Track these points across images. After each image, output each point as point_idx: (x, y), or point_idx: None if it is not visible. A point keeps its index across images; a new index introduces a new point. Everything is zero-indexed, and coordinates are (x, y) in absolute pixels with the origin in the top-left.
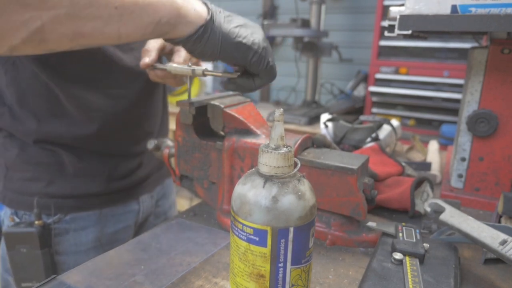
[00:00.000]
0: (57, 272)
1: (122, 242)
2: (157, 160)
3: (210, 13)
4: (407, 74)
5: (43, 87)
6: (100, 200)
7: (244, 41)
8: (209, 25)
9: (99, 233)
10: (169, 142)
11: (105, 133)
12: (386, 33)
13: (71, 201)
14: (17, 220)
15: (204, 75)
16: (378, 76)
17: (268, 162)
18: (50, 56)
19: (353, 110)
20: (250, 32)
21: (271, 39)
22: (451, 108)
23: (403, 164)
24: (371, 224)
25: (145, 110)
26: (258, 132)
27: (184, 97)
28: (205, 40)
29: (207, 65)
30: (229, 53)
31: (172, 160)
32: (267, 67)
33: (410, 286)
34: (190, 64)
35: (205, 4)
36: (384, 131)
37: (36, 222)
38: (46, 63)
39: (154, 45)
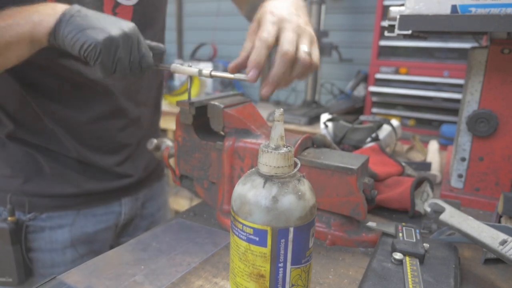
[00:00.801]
0: (32, 269)
1: (102, 243)
2: (143, 167)
3: (57, 20)
4: (407, 74)
5: (17, 93)
6: (77, 201)
7: (77, 42)
8: (53, 35)
9: (77, 233)
10: (169, 142)
11: (73, 142)
12: (386, 33)
13: (47, 200)
14: None
15: (211, 76)
16: (378, 76)
17: (268, 162)
18: (20, 66)
19: (353, 110)
20: (88, 34)
21: None
22: (451, 108)
23: (403, 164)
24: (371, 224)
25: (118, 123)
26: (258, 132)
27: (184, 97)
28: (56, 42)
29: (207, 66)
30: (73, 51)
31: (172, 160)
32: (95, 64)
33: (410, 286)
34: (190, 64)
35: (64, 9)
36: (384, 131)
37: (9, 218)
38: (15, 70)
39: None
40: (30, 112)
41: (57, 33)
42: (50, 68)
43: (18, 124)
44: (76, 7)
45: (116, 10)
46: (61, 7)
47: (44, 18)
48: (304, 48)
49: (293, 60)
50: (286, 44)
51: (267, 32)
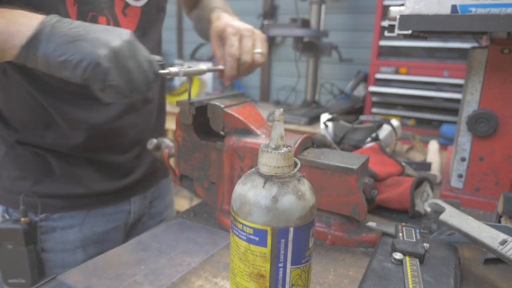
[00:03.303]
0: (44, 270)
1: (112, 242)
2: (150, 164)
3: (36, 30)
4: (407, 74)
5: (30, 97)
6: (87, 201)
7: (69, 58)
8: (31, 45)
9: (87, 232)
10: (169, 142)
11: (87, 143)
12: (386, 33)
13: (58, 201)
14: (7, 217)
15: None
16: (378, 76)
17: (268, 162)
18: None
19: (353, 110)
20: (84, 47)
21: (271, 39)
22: (451, 108)
23: (403, 164)
24: (371, 224)
25: (131, 120)
26: (258, 132)
27: (184, 97)
28: (31, 59)
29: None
30: (58, 71)
31: (172, 160)
32: (103, 88)
33: (410, 286)
34: (190, 65)
35: (42, 19)
36: (384, 131)
37: (22, 219)
38: (30, 74)
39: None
40: (42, 115)
41: (32, 51)
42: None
43: (29, 129)
44: (54, 16)
45: (125, 11)
46: (36, 18)
47: (14, 35)
48: (258, 49)
49: (238, 61)
50: (234, 49)
51: (234, 47)
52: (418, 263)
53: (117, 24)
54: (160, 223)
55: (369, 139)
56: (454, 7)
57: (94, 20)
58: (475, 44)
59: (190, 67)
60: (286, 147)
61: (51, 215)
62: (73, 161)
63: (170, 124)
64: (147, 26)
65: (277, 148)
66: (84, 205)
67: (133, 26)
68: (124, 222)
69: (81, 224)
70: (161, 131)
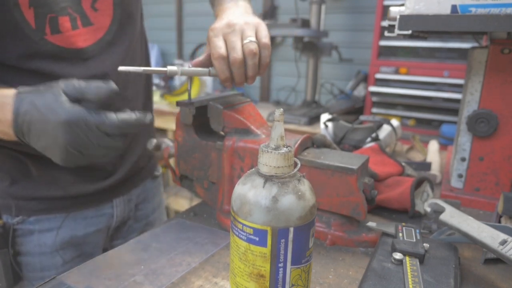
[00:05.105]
0: (21, 273)
1: (93, 245)
2: (133, 164)
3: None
4: (407, 74)
5: None
6: (65, 203)
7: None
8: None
9: (66, 236)
10: (169, 142)
11: None
12: (386, 33)
13: (34, 203)
14: None
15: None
16: (378, 76)
17: (268, 162)
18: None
19: (353, 110)
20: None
21: (271, 39)
22: (451, 108)
23: (403, 164)
24: (371, 224)
25: None
26: (258, 132)
27: (184, 97)
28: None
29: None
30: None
31: (172, 160)
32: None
33: (410, 286)
34: (189, 65)
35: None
36: (384, 131)
37: None
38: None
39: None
40: None
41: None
42: (23, 70)
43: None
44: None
45: (95, 5)
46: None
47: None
48: (247, 39)
49: (225, 60)
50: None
51: (217, 47)
52: (418, 263)
53: (86, 20)
54: (147, 226)
55: (369, 139)
56: (454, 7)
57: (53, 22)
58: (475, 44)
59: (190, 66)
60: (286, 147)
61: (27, 218)
62: (51, 165)
63: (170, 124)
64: (124, 18)
65: (277, 148)
66: (62, 208)
67: (108, 20)
68: (106, 226)
69: (59, 228)
70: (149, 132)
